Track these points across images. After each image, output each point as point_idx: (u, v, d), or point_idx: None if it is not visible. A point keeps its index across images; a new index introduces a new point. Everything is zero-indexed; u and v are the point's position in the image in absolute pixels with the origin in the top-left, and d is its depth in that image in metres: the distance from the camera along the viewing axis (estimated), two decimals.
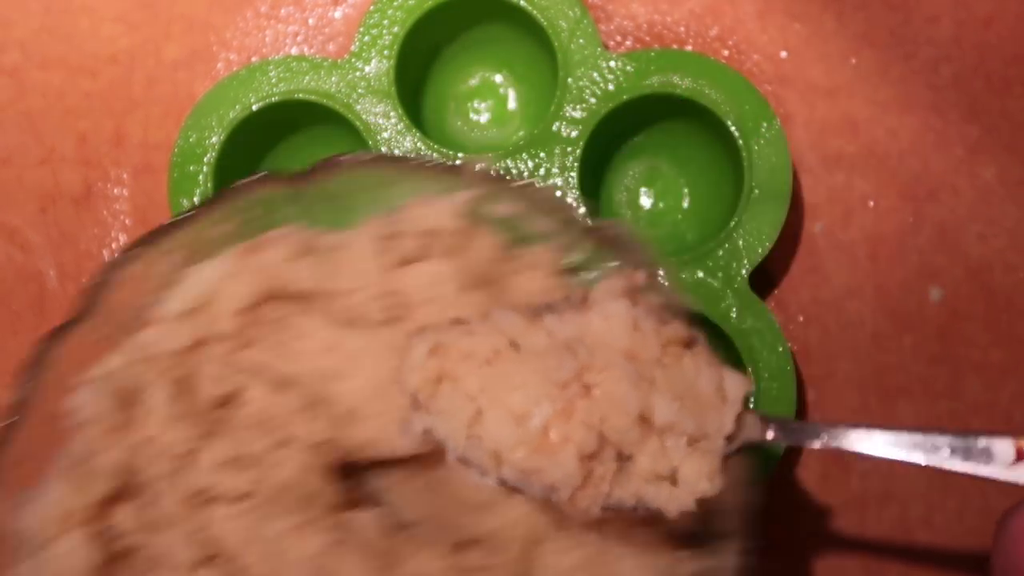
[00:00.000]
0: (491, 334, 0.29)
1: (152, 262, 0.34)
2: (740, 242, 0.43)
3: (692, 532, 0.31)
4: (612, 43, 0.48)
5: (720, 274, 0.43)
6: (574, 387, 0.28)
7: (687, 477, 0.28)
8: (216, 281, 0.34)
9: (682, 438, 0.28)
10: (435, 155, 0.42)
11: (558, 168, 0.44)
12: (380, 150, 0.38)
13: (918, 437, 0.31)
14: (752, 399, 0.34)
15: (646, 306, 0.29)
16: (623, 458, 0.28)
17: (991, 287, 0.46)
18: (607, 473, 0.28)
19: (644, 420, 0.28)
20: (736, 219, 0.43)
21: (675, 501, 0.28)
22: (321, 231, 0.35)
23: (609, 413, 0.28)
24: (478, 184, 0.34)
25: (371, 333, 0.33)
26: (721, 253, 0.43)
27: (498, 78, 0.48)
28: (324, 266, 0.34)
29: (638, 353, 0.29)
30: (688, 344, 0.29)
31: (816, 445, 0.31)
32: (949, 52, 0.47)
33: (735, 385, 0.29)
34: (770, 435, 0.31)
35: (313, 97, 0.45)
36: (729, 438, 0.29)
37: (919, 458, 0.31)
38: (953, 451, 0.31)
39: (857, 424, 0.32)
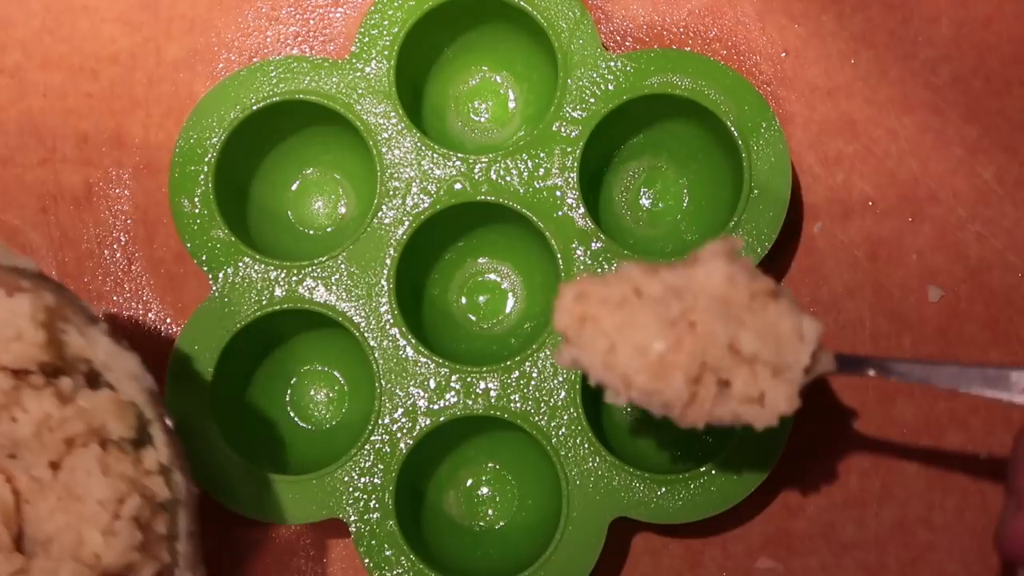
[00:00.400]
0: (621, 283, 0.36)
1: None
2: None
3: (132, 439, 0.38)
4: (612, 43, 0.48)
5: None
6: (682, 324, 0.35)
7: (771, 400, 0.35)
8: None
9: (767, 368, 0.35)
10: None
11: (558, 168, 0.44)
12: None
13: (979, 370, 0.37)
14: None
15: (741, 264, 0.36)
16: (722, 383, 0.35)
17: (991, 287, 0.46)
18: (709, 394, 0.35)
19: (735, 352, 0.35)
20: (736, 219, 0.43)
21: (762, 418, 0.36)
22: None
23: (707, 345, 0.35)
24: None
25: None
26: None
27: (498, 78, 0.48)
28: None
29: (731, 299, 0.35)
30: (774, 295, 0.36)
31: (917, 378, 0.38)
32: (948, 52, 0.47)
33: (811, 328, 0.36)
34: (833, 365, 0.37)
35: (313, 97, 0.45)
36: (806, 370, 0.36)
37: (994, 392, 0.36)
38: None
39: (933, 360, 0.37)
